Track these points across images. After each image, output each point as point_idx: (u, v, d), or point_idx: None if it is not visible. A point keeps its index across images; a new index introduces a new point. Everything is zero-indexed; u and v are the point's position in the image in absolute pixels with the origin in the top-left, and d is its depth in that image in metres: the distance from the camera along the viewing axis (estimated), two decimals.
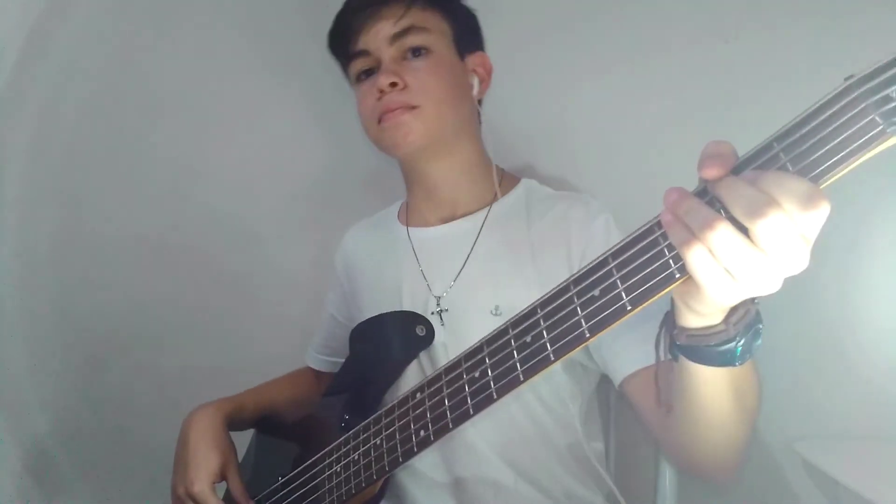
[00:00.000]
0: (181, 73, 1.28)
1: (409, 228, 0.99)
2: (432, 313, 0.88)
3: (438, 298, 0.89)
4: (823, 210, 0.42)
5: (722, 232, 0.44)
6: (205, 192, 1.32)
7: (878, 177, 0.84)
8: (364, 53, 0.90)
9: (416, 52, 0.88)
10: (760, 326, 0.55)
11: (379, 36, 0.88)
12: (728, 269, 0.45)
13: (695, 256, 0.46)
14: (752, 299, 0.53)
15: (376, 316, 0.91)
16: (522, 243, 0.88)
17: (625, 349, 0.79)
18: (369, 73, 0.91)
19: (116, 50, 1.25)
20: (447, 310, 0.88)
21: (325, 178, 1.32)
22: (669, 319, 0.58)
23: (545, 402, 0.85)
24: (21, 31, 1.15)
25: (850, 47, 0.94)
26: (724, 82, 1.05)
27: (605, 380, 0.89)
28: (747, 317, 0.53)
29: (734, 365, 0.55)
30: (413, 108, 0.86)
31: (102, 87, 1.26)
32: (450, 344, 0.86)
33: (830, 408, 0.97)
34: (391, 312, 0.90)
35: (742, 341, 0.54)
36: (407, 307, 0.91)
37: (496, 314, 0.84)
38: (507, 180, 0.97)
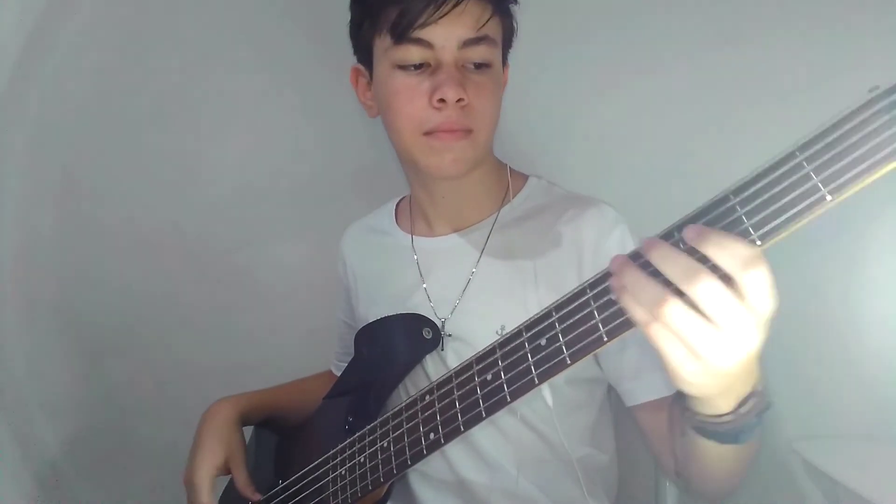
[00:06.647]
0: (180, 73, 1.28)
1: (413, 237, 0.95)
2: None
3: (443, 322, 0.86)
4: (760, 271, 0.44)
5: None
6: (204, 189, 1.32)
7: (880, 178, 0.85)
8: (424, 44, 0.76)
9: (478, 64, 0.79)
10: (768, 411, 0.57)
11: (452, 36, 0.76)
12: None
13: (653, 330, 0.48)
14: (762, 390, 0.55)
15: (382, 318, 0.89)
16: (530, 256, 0.84)
17: (642, 374, 0.79)
18: (419, 64, 0.78)
19: (116, 49, 1.25)
20: (451, 335, 0.85)
21: (323, 175, 1.32)
22: (681, 398, 0.60)
23: (551, 416, 0.82)
24: (21, 30, 1.14)
25: (858, 53, 0.95)
26: (730, 88, 1.06)
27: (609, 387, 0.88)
28: (757, 406, 0.55)
29: (738, 444, 0.59)
30: (469, 132, 0.79)
31: (102, 86, 1.26)
32: (452, 363, 0.84)
33: (830, 408, 0.99)
34: (397, 315, 0.88)
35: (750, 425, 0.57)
36: None
37: (501, 334, 0.82)
38: (515, 180, 0.93)
